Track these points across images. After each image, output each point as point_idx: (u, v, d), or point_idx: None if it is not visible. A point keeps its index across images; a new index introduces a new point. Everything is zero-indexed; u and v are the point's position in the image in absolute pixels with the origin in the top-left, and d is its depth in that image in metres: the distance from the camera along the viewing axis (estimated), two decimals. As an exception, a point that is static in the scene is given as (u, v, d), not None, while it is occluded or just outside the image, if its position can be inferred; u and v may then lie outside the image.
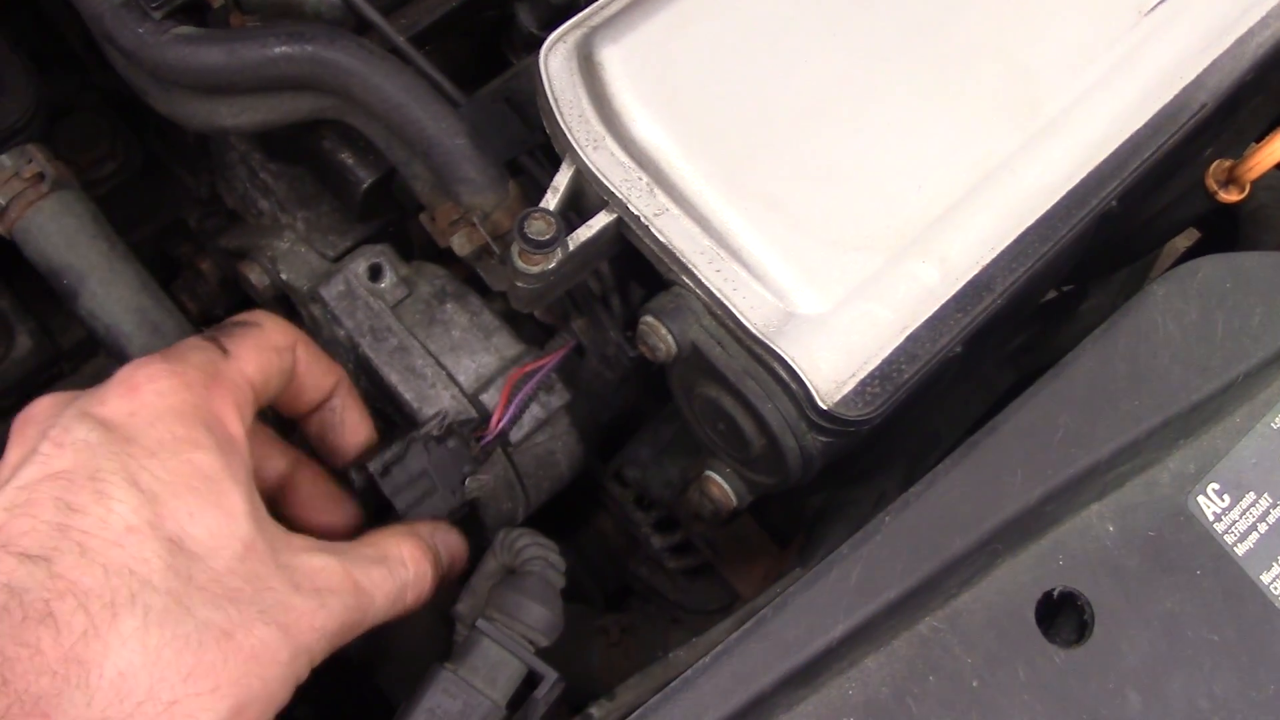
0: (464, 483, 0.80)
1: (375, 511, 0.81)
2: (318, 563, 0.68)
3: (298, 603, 0.65)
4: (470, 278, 0.90)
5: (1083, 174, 0.75)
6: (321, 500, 0.80)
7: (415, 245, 0.96)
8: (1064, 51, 0.77)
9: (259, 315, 0.75)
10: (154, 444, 0.64)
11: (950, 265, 0.71)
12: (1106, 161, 0.76)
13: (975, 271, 0.72)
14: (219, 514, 0.64)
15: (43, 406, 0.68)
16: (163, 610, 0.60)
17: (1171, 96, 0.78)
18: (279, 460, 0.78)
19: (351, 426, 0.81)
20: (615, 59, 0.71)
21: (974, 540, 0.68)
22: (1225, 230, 1.05)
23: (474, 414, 0.86)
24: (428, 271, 0.91)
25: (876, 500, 0.92)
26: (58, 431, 0.63)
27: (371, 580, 0.70)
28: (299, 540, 0.69)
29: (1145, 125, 0.77)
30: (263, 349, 0.73)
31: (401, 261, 0.91)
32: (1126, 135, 0.76)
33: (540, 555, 0.74)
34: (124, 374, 0.67)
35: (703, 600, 1.02)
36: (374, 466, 0.77)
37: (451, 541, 0.80)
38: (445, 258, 0.88)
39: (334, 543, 0.71)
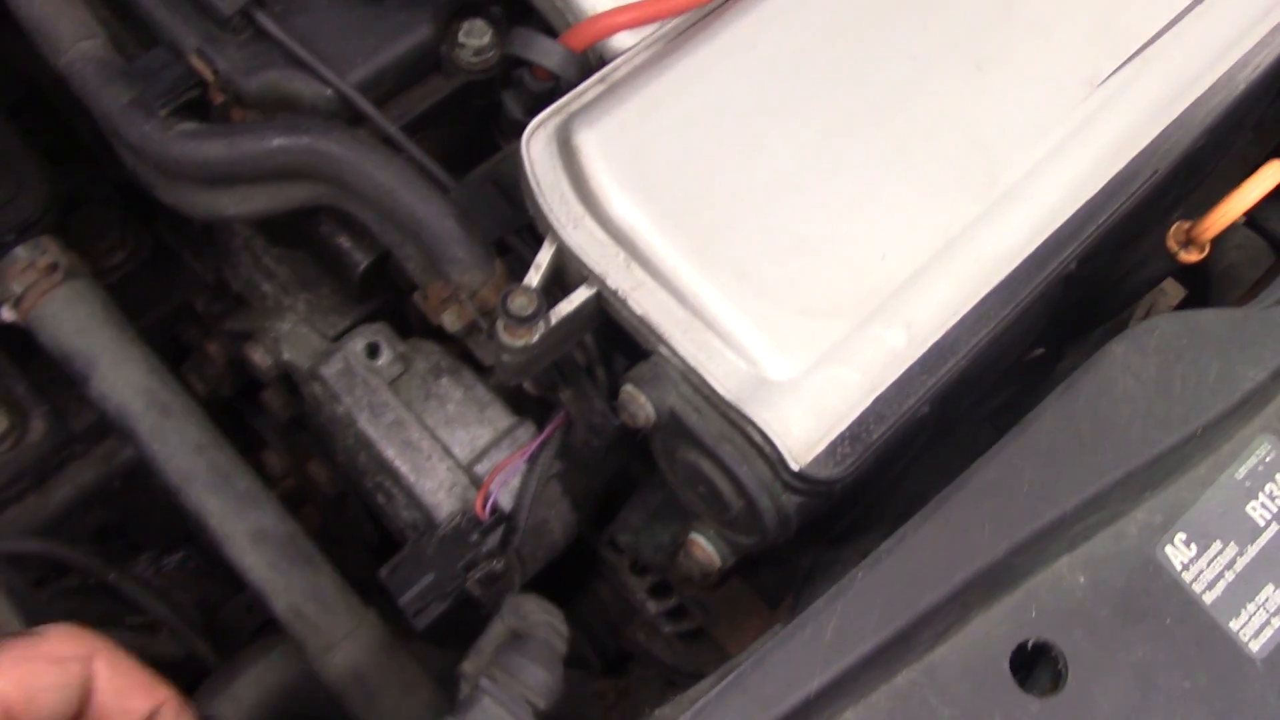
0: (465, 578, 0.83)
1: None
2: None
3: None
4: (465, 354, 0.94)
5: (1040, 239, 0.78)
6: None
7: (412, 323, 0.99)
8: (1020, 124, 0.81)
9: (48, 626, 0.65)
10: None
11: (915, 330, 0.74)
12: (1063, 227, 0.79)
13: (939, 335, 0.75)
14: None
15: None
16: None
17: (1124, 164, 0.81)
18: None
19: None
20: (592, 142, 0.75)
21: (946, 593, 0.70)
22: (1202, 285, 1.08)
23: (470, 484, 0.90)
24: (424, 348, 0.95)
25: (863, 558, 0.95)
26: None
27: None
28: None
29: (1099, 192, 0.80)
30: (31, 659, 0.62)
31: (398, 339, 0.95)
32: (1081, 202, 0.80)
33: (545, 621, 0.77)
34: None
35: (698, 663, 1.04)
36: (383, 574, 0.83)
37: None
38: (441, 335, 0.92)
39: None
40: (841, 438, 0.71)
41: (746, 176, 0.76)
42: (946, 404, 0.76)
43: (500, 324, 0.72)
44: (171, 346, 1.13)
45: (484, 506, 0.86)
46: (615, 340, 0.78)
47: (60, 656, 0.63)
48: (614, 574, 1.05)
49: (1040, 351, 1.07)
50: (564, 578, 1.05)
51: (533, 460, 0.87)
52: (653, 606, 1.04)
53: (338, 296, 0.98)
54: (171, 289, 1.13)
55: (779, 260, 0.74)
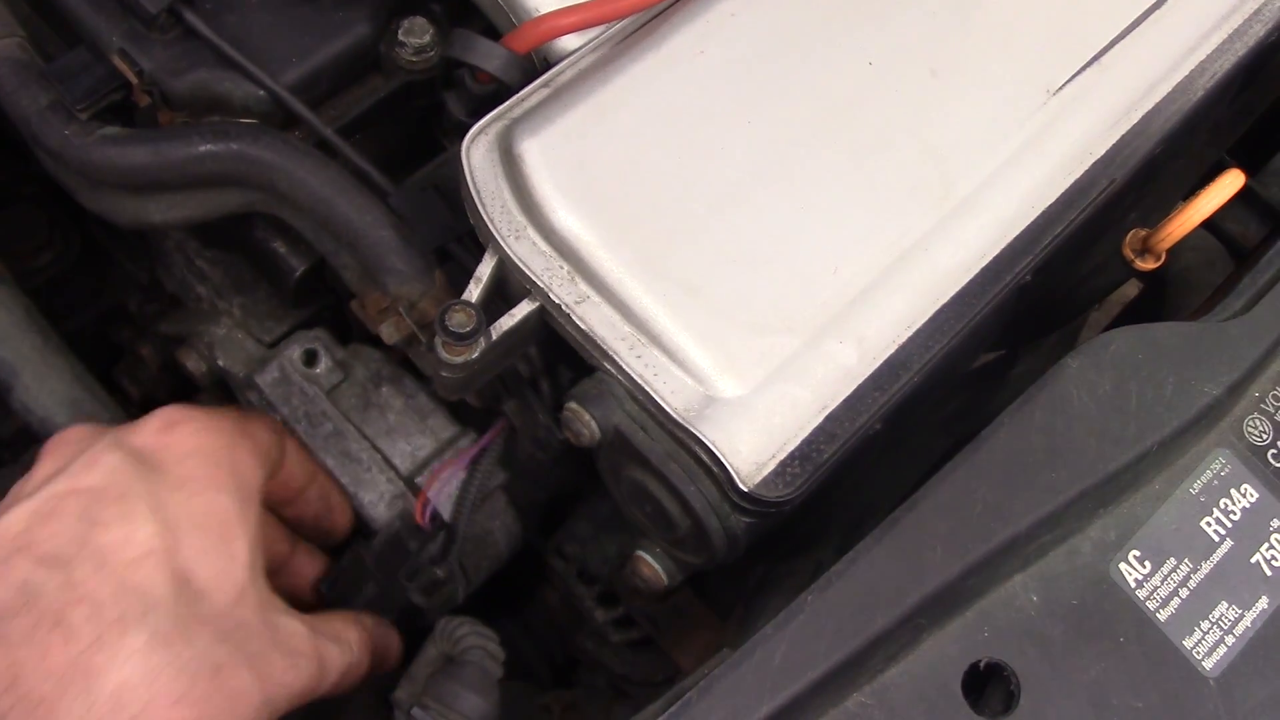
0: (406, 586, 0.82)
1: None
2: (294, 627, 0.72)
3: (276, 658, 0.69)
4: (406, 360, 0.92)
5: (995, 251, 0.76)
6: (305, 582, 0.85)
7: (352, 328, 0.97)
8: (975, 132, 0.79)
9: (261, 415, 0.83)
10: (181, 479, 0.68)
11: (867, 345, 0.73)
12: (1019, 238, 0.77)
13: (892, 350, 0.73)
14: (225, 557, 0.68)
15: (78, 432, 0.73)
16: (168, 634, 0.62)
17: (1081, 173, 0.80)
18: (280, 543, 0.83)
19: (338, 509, 0.86)
20: (534, 151, 0.73)
21: (897, 615, 0.69)
22: (1158, 288, 1.07)
23: (410, 496, 0.87)
24: (363, 355, 0.92)
25: (814, 571, 0.93)
26: (92, 453, 0.68)
27: (330, 655, 0.74)
28: (279, 602, 0.73)
29: (1055, 201, 0.79)
30: (266, 428, 0.79)
31: (337, 345, 0.92)
32: (1038, 212, 0.78)
33: (479, 645, 0.75)
34: (163, 412, 0.72)
35: (647, 672, 1.03)
36: (324, 586, 0.85)
37: (389, 638, 0.84)
38: (381, 340, 0.89)
39: (304, 614, 0.75)
40: (792, 457, 0.70)
41: (695, 187, 0.74)
42: (899, 419, 0.75)
43: (439, 341, 0.69)
44: (104, 348, 1.09)
45: (423, 513, 0.84)
46: (560, 352, 0.76)
47: (276, 428, 0.81)
48: (561, 582, 1.03)
49: (994, 356, 1.06)
50: (511, 584, 1.03)
51: (473, 466, 0.85)
52: (600, 615, 1.02)
53: (274, 300, 0.95)
54: (103, 289, 1.09)
55: (728, 274, 0.72)
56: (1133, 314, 1.12)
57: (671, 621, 0.97)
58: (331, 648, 0.74)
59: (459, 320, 0.68)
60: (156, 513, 0.65)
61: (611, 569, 0.94)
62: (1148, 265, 0.87)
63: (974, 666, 0.71)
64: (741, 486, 0.68)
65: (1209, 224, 0.97)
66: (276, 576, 0.80)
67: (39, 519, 0.63)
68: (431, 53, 0.84)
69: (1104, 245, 0.92)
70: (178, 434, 0.71)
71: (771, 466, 0.69)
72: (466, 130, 0.75)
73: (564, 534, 0.98)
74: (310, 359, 0.89)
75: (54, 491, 0.65)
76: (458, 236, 0.80)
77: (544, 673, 1.07)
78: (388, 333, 0.78)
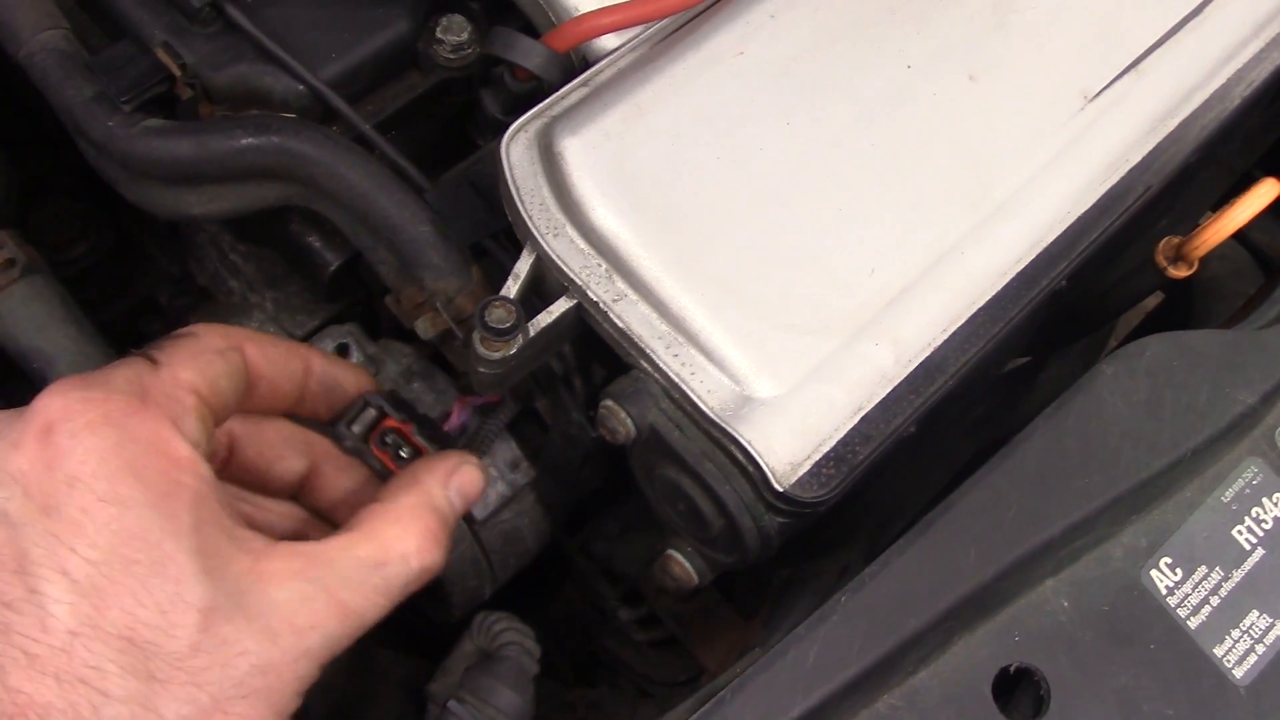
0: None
1: None
2: (295, 596, 0.60)
3: (276, 656, 0.58)
4: (436, 355, 0.92)
5: (1031, 256, 0.77)
6: (352, 489, 0.74)
7: (383, 323, 0.97)
8: (1012, 137, 0.79)
9: (197, 325, 0.69)
10: (76, 513, 0.56)
11: (903, 347, 0.73)
12: (1054, 244, 0.77)
13: (928, 353, 0.73)
14: (165, 586, 0.56)
15: None
16: None
17: (1117, 180, 0.80)
18: (295, 459, 0.72)
19: (348, 381, 0.75)
20: (574, 149, 0.73)
21: (930, 618, 0.69)
22: (1185, 296, 1.07)
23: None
24: (394, 350, 0.92)
25: (840, 572, 0.93)
26: None
27: (362, 596, 0.63)
28: (274, 565, 0.60)
29: (1091, 208, 0.79)
30: (200, 353, 0.65)
31: (368, 340, 0.93)
32: (1074, 218, 0.78)
33: (516, 640, 0.75)
34: (39, 407, 0.59)
35: (670, 672, 1.03)
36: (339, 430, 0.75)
37: (469, 483, 0.73)
38: (412, 335, 0.89)
39: (325, 547, 0.63)
40: (827, 458, 0.70)
41: (733, 187, 0.74)
42: (933, 421, 0.75)
43: (477, 336, 0.69)
44: (135, 341, 1.10)
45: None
46: (595, 350, 0.76)
47: (219, 348, 0.66)
48: (586, 580, 1.03)
49: (1023, 360, 1.06)
50: (535, 581, 1.03)
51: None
52: (625, 614, 1.03)
53: (306, 295, 0.95)
54: (135, 282, 1.10)
55: (766, 274, 0.72)
56: (1158, 321, 1.12)
57: (696, 621, 0.97)
58: (367, 584, 0.63)
59: (499, 316, 0.68)
60: (65, 576, 0.54)
61: (638, 568, 0.94)
62: (1180, 273, 0.87)
63: (1004, 670, 0.71)
64: (777, 486, 0.68)
65: (1238, 234, 0.97)
66: (312, 497, 0.73)
67: None
68: (469, 50, 0.85)
69: (1134, 252, 0.92)
70: (58, 445, 0.57)
71: (807, 467, 0.69)
72: (501, 128, 0.75)
73: (591, 532, 0.98)
74: (342, 353, 0.90)
75: None
76: (494, 233, 0.81)
77: (566, 671, 1.08)
78: (423, 328, 0.78)
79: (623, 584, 1.00)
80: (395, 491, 0.69)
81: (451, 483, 0.71)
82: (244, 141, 0.74)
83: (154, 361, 0.63)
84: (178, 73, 0.75)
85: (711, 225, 0.73)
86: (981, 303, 0.75)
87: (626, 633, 1.02)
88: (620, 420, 0.71)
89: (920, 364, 0.73)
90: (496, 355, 0.70)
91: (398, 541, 0.65)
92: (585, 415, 0.80)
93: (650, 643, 1.02)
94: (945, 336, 0.74)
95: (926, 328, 0.74)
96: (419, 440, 0.75)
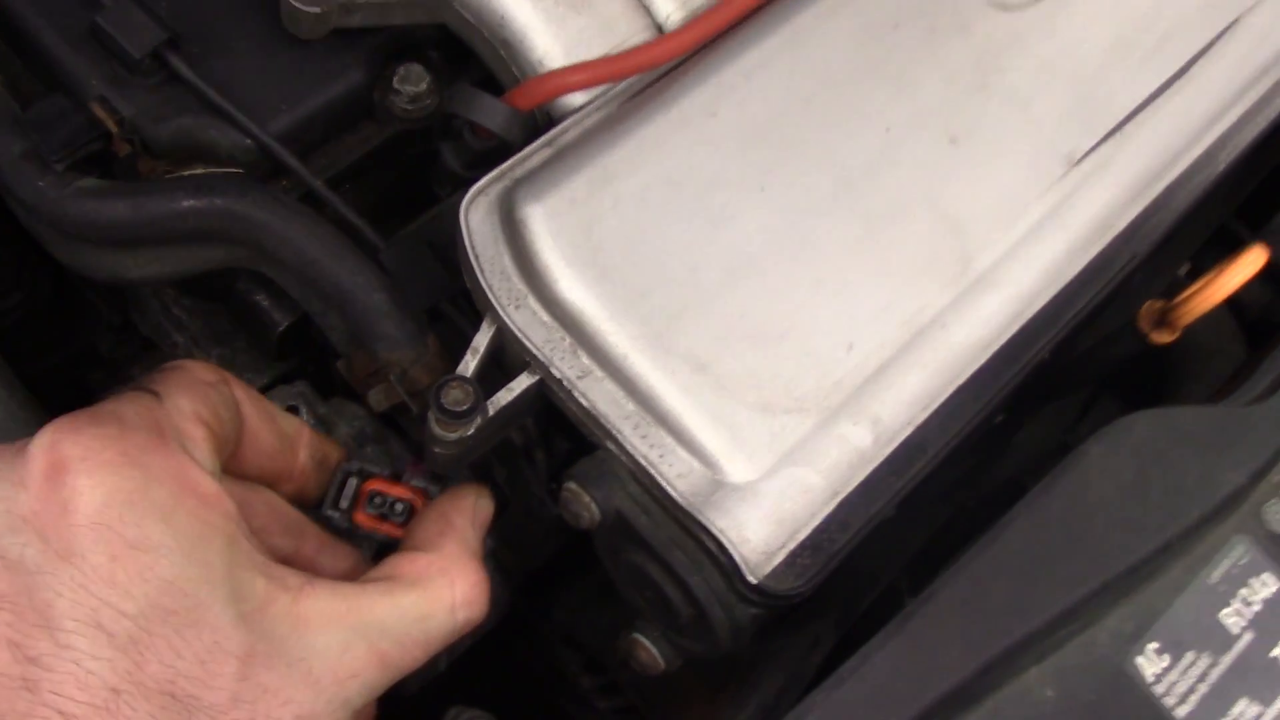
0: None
1: None
2: (336, 643, 0.57)
3: (320, 706, 0.56)
4: (388, 416, 0.88)
5: (1015, 329, 0.74)
6: (346, 571, 0.69)
7: (335, 381, 0.92)
8: (994, 203, 0.76)
9: (183, 361, 0.65)
10: (104, 561, 0.52)
11: (883, 427, 0.69)
12: (1038, 316, 0.75)
13: (908, 432, 0.70)
14: (203, 635, 0.53)
15: None
16: None
17: (1102, 247, 0.77)
18: (281, 539, 0.67)
19: (334, 457, 0.71)
20: (538, 215, 0.69)
21: (910, 717, 0.65)
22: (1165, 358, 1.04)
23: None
24: (347, 412, 0.88)
25: (811, 644, 0.90)
26: None
27: (403, 649, 0.60)
28: (314, 606, 0.57)
29: (1075, 277, 0.76)
30: (194, 384, 0.61)
31: (319, 400, 0.88)
32: (1058, 288, 0.75)
33: None
34: (44, 444, 0.54)
35: (635, 742, 0.99)
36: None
37: (487, 519, 0.70)
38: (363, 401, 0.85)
39: (366, 593, 0.60)
40: (803, 547, 0.66)
41: (705, 257, 0.70)
42: (911, 501, 0.71)
43: (432, 416, 0.65)
44: (75, 392, 1.05)
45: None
46: (558, 423, 0.72)
47: (211, 380, 0.63)
48: (546, 645, 0.99)
49: (998, 419, 1.03)
50: (491, 645, 0.99)
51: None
52: (586, 682, 0.99)
53: (254, 352, 0.90)
54: (75, 329, 1.04)
55: (739, 350, 0.69)
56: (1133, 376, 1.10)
57: (661, 693, 0.93)
58: (409, 637, 0.60)
59: (455, 397, 0.64)
60: (99, 630, 0.51)
61: (602, 640, 0.90)
62: (1164, 338, 0.84)
63: (988, 767, 0.68)
64: (749, 578, 0.65)
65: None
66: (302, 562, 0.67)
67: None
68: (428, 101, 0.81)
69: (1113, 313, 0.89)
70: (73, 486, 0.53)
71: (781, 557, 0.66)
72: (462, 182, 0.72)
73: (552, 600, 0.94)
74: (293, 414, 0.85)
75: None
76: (451, 296, 0.76)
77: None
78: (376, 400, 0.74)
79: (584, 651, 0.96)
80: (432, 539, 0.66)
81: (476, 521, 0.69)
82: (185, 204, 0.69)
83: (155, 394, 0.59)
84: (115, 129, 0.71)
85: (682, 298, 0.69)
86: (963, 378, 0.72)
87: (589, 700, 0.98)
88: (584, 504, 0.67)
89: (900, 444, 0.70)
90: (453, 436, 0.66)
91: (444, 593, 0.63)
92: (547, 490, 0.76)
93: (613, 710, 0.98)
94: (926, 414, 0.71)
95: (907, 406, 0.70)
96: (410, 486, 0.72)
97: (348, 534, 0.71)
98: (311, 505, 0.70)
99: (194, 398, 0.61)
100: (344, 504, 0.70)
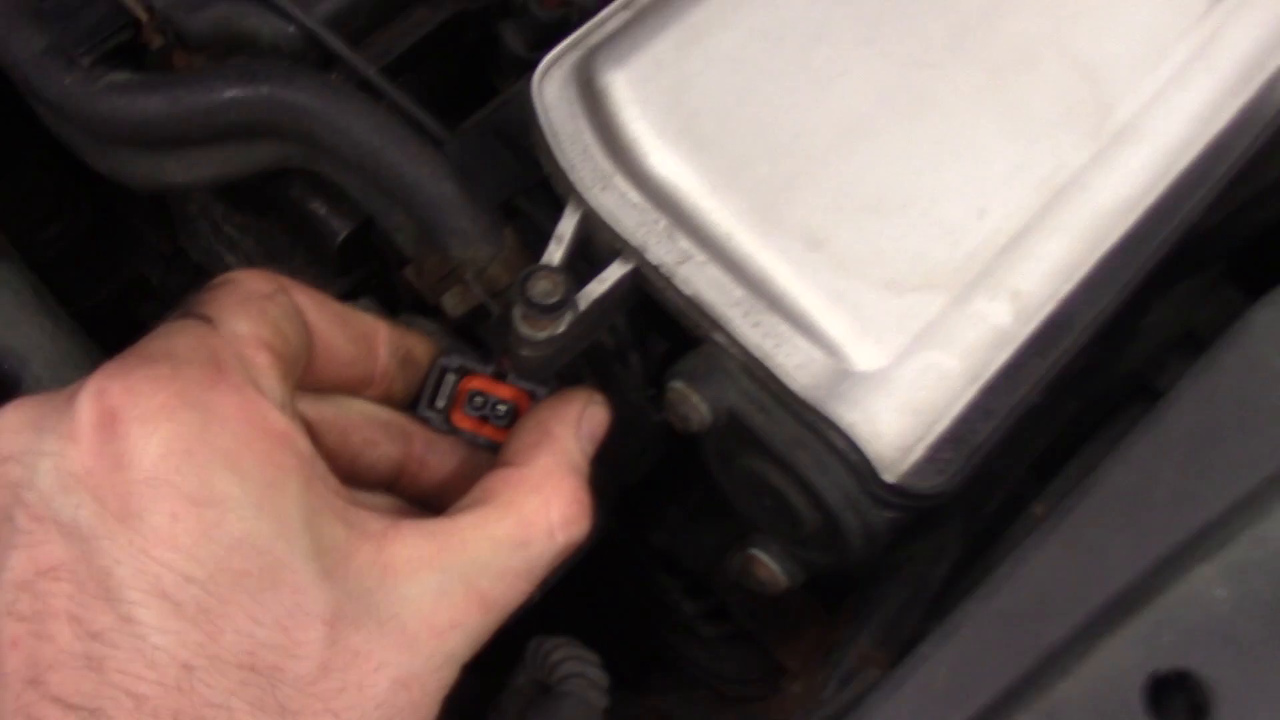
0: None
1: None
2: (430, 590, 0.52)
3: (418, 665, 0.50)
4: (463, 328, 0.81)
5: (1164, 185, 0.65)
6: (457, 468, 0.63)
7: (402, 296, 0.86)
8: (1133, 45, 0.68)
9: (233, 273, 0.58)
10: (164, 520, 0.47)
11: (1023, 302, 0.61)
12: (1189, 169, 0.66)
13: (1052, 307, 0.62)
14: (283, 599, 0.48)
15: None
16: None
17: (1255, 90, 0.68)
18: (389, 445, 0.61)
19: (421, 352, 0.64)
20: (621, 83, 0.61)
21: (1075, 625, 0.58)
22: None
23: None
24: (418, 327, 0.82)
25: (935, 555, 0.83)
26: (34, 500, 0.47)
27: (505, 584, 0.55)
28: (402, 553, 0.52)
29: (1229, 125, 0.67)
30: (248, 299, 0.54)
31: (388, 315, 0.82)
32: (1208, 138, 0.67)
33: (579, 672, 0.64)
34: (92, 391, 0.48)
35: (743, 669, 0.92)
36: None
37: (599, 427, 0.63)
38: (437, 309, 0.78)
39: (456, 526, 0.54)
40: (942, 440, 0.59)
41: (812, 120, 0.62)
42: (1059, 386, 0.64)
43: (518, 313, 0.58)
44: (127, 327, 0.99)
45: None
46: (654, 319, 0.65)
47: (266, 292, 0.55)
48: (643, 572, 0.93)
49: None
50: (585, 574, 0.93)
51: None
52: (690, 608, 0.92)
53: (314, 269, 0.84)
54: (122, 261, 0.99)
55: (857, 223, 0.61)
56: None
57: (774, 615, 0.86)
58: (509, 570, 0.55)
59: (543, 289, 0.57)
60: (164, 599, 0.46)
61: (708, 562, 0.83)
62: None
63: (1156, 675, 0.61)
64: (885, 477, 0.57)
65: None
66: (414, 482, 0.62)
67: (23, 626, 0.46)
68: (485, -26, 0.73)
69: (1263, 170, 0.80)
70: (126, 436, 0.47)
71: (920, 452, 0.58)
72: (526, 66, 0.64)
73: (648, 520, 0.87)
74: (358, 334, 0.79)
75: (15, 578, 0.46)
76: (526, 189, 0.69)
77: (627, 672, 0.97)
78: (451, 303, 0.67)
79: (685, 574, 0.90)
80: (526, 451, 0.59)
81: (583, 431, 0.61)
82: (226, 95, 0.63)
83: (208, 320, 0.53)
84: (144, 17, 0.64)
85: (790, 166, 0.61)
86: (1110, 244, 0.64)
87: (692, 628, 0.92)
88: (692, 405, 0.60)
89: (1044, 320, 0.62)
90: (543, 335, 0.59)
91: (540, 514, 0.56)
92: (645, 396, 0.69)
93: (720, 637, 0.92)
94: (1071, 286, 0.63)
95: (1049, 277, 0.62)
96: (512, 387, 0.64)
97: (452, 434, 0.64)
98: (401, 406, 0.63)
99: (252, 317, 0.54)
100: (440, 403, 0.63)
